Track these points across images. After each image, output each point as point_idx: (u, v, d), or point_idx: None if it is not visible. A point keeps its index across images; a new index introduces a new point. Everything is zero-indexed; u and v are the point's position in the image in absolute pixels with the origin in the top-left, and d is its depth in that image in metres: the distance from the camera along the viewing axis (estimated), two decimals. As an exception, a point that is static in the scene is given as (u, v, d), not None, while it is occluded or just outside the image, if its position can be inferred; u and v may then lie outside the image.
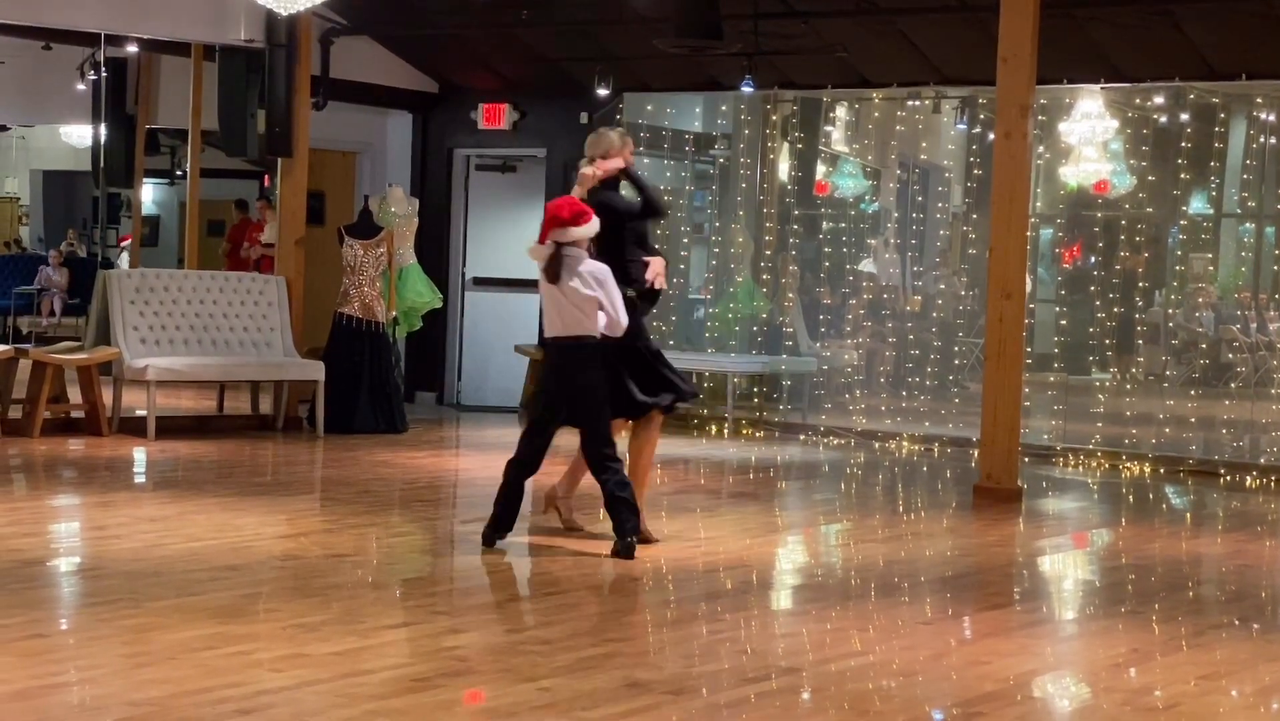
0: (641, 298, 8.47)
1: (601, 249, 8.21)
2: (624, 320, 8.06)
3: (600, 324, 8.01)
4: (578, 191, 8.36)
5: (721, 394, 14.50)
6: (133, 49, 15.67)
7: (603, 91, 14.45)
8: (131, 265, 17.23)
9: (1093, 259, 13.93)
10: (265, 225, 17.19)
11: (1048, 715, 5.71)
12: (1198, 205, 15.11)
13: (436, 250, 15.51)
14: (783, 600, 7.70)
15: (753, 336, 14.93)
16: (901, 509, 10.64)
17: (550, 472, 8.87)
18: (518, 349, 14.61)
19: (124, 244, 19.36)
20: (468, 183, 16.02)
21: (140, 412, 12.37)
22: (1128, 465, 12.55)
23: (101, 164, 17.10)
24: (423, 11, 14.57)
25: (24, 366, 12.23)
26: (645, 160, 15.59)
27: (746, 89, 13.83)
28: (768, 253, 15.12)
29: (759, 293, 15.12)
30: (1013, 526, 9.81)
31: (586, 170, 8.45)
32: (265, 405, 13.44)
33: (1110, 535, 9.89)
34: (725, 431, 14.12)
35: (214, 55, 14.31)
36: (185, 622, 6.21)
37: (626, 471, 8.21)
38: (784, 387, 14.82)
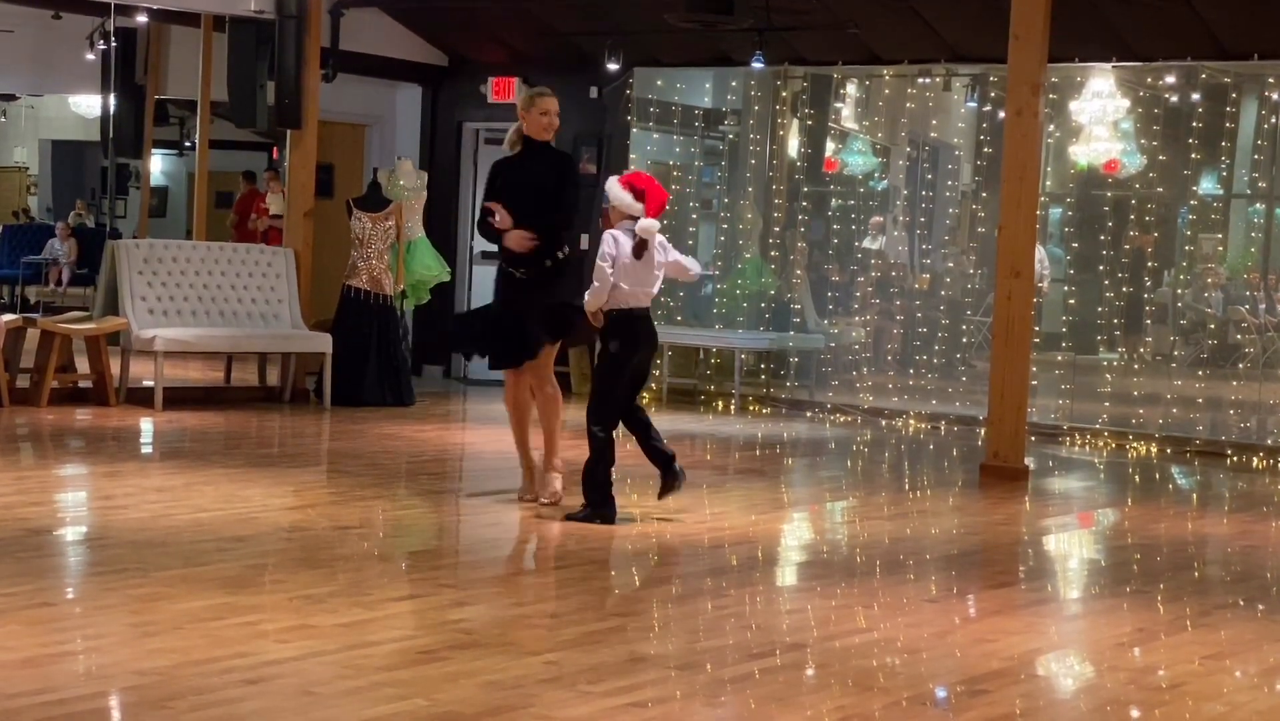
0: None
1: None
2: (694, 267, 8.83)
3: (693, 270, 8.76)
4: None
5: (729, 370, 14.49)
6: (142, 19, 15.66)
7: (613, 66, 14.42)
8: (139, 236, 17.25)
9: (1101, 238, 13.89)
10: (270, 196, 17.19)
11: (1052, 693, 5.71)
12: (1208, 185, 15.07)
13: (445, 224, 15.51)
14: (788, 576, 7.71)
15: (760, 313, 14.91)
16: (908, 486, 10.64)
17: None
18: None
19: None
20: (477, 156, 15.99)
21: (148, 383, 12.38)
22: (1134, 445, 12.54)
23: (110, 134, 17.10)
24: (433, -16, 14.55)
25: (32, 336, 12.25)
26: (655, 135, 15.60)
27: (757, 65, 13.80)
28: (776, 229, 15.10)
29: (767, 269, 15.10)
30: (1019, 505, 9.81)
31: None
32: (273, 377, 13.45)
33: (1116, 515, 9.89)
34: (732, 408, 14.12)
35: (224, 26, 14.29)
36: (192, 593, 6.23)
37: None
38: (791, 364, 14.81)
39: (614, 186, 8.34)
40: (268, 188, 17.38)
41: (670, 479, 8.40)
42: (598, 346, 8.77)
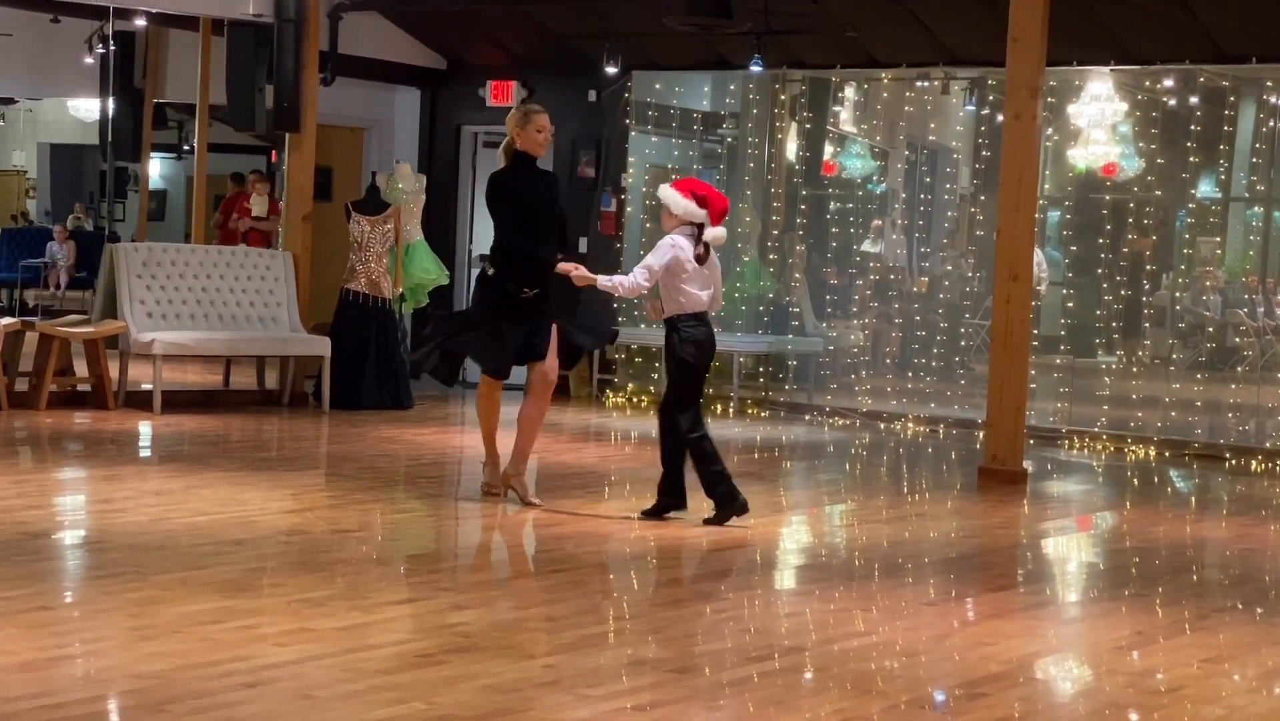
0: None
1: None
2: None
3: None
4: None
5: (727, 373, 14.49)
6: (141, 22, 15.67)
7: (611, 69, 14.41)
8: (138, 239, 17.24)
9: (1100, 241, 13.90)
10: (254, 198, 17.11)
11: (1050, 697, 5.71)
12: (1206, 188, 15.07)
13: (444, 227, 15.50)
14: (786, 580, 7.71)
15: (759, 316, 14.91)
16: (906, 490, 10.64)
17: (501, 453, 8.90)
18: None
19: None
20: (475, 159, 15.99)
21: (146, 386, 12.37)
22: (1133, 448, 12.54)
23: (109, 138, 17.11)
24: (431, -13, 14.55)
25: (30, 339, 12.24)
26: (653, 138, 15.60)
27: (755, 68, 13.81)
28: (775, 232, 15.10)
29: (765, 272, 15.10)
30: (1017, 508, 9.81)
31: None
32: (271, 380, 13.45)
33: (1115, 518, 9.89)
34: (730, 411, 14.11)
35: (222, 29, 14.29)
36: (190, 596, 6.22)
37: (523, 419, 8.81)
38: (790, 367, 14.81)
39: (674, 195, 8.40)
40: (253, 189, 17.33)
41: (671, 504, 8.46)
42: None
